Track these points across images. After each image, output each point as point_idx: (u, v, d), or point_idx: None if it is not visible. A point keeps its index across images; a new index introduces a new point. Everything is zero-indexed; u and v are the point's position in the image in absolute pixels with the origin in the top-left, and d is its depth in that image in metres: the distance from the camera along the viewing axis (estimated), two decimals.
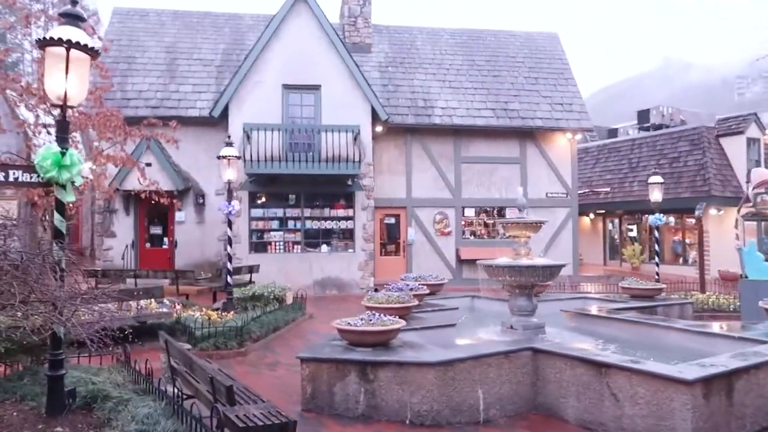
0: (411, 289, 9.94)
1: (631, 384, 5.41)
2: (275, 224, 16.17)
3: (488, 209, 18.35)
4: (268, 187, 15.89)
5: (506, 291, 10.79)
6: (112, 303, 7.36)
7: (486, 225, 18.41)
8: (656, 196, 14.62)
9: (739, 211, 10.51)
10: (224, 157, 10.62)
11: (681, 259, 22.45)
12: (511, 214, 18.30)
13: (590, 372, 5.80)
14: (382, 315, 6.77)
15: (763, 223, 21.66)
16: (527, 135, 18.18)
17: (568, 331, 8.78)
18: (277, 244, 16.09)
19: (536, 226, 8.62)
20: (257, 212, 16.13)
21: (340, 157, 15.14)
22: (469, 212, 18.11)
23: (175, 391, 5.18)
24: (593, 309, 9.44)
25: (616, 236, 26.05)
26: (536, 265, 8.16)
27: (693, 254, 22.22)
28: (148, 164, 13.94)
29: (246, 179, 15.60)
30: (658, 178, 14.65)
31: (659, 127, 26.84)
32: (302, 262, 15.95)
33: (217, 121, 15.94)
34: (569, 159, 18.45)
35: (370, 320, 6.52)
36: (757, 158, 21.23)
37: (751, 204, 10.59)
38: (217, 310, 10.54)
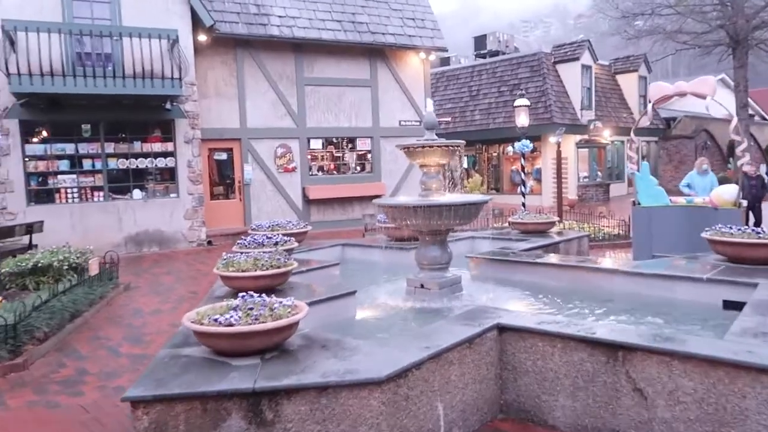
0: (276, 243, 7.34)
1: (672, 374, 3.60)
2: (64, 164, 12.02)
3: (336, 140, 15.95)
4: (49, 113, 11.62)
5: (382, 233, 8.79)
6: None
7: (335, 158, 16.04)
8: (523, 120, 13.49)
9: (634, 131, 9.49)
10: None
11: (519, 189, 22.42)
12: (362, 144, 16.16)
13: (597, 357, 3.90)
14: (261, 296, 4.14)
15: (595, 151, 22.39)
16: (378, 54, 15.90)
17: (489, 284, 6.96)
18: (70, 191, 12.03)
19: (452, 150, 6.48)
20: (36, 149, 11.82)
21: (153, 72, 11.44)
22: (316, 144, 15.55)
23: None
24: (502, 252, 7.74)
25: (456, 168, 25.46)
26: (455, 202, 6.08)
27: (531, 183, 22.35)
28: None
29: (14, 103, 11.19)
30: (525, 101, 13.51)
31: (495, 53, 26.47)
32: (107, 214, 12.18)
33: None
34: (422, 82, 16.65)
35: (250, 309, 3.88)
36: (589, 85, 21.58)
37: (648, 121, 9.62)
38: None
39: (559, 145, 14.72)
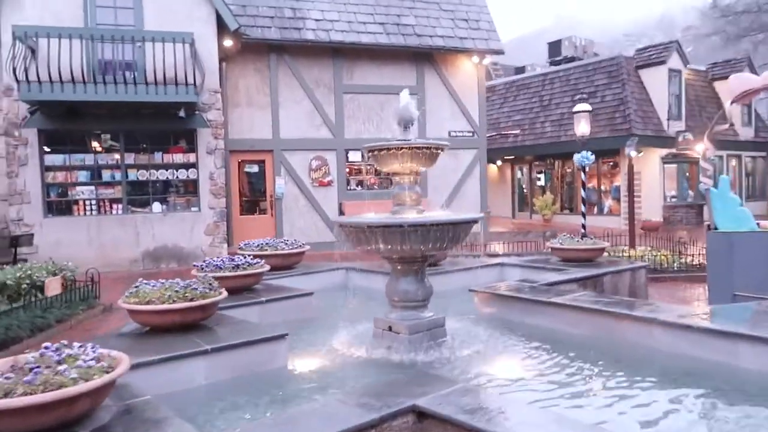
0: (237, 267, 6.17)
1: None
2: (83, 175, 11.62)
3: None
4: (68, 122, 11.25)
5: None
6: None
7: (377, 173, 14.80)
8: (583, 128, 11.62)
9: (709, 136, 7.51)
10: None
11: (596, 209, 20.13)
12: None
13: None
14: (84, 347, 2.92)
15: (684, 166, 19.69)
16: (425, 58, 14.57)
17: (489, 328, 5.38)
18: (88, 203, 11.59)
19: (430, 153, 5.00)
20: (55, 159, 11.48)
21: (166, 79, 10.77)
22: (355, 156, 14.39)
23: None
24: (518, 287, 6.10)
25: (525, 185, 23.47)
26: (427, 222, 4.60)
27: (608, 203, 20.00)
28: None
29: (32, 111, 10.90)
30: (586, 106, 11.65)
31: (572, 60, 24.29)
32: (125, 228, 11.61)
33: None
34: (476, 89, 15.10)
35: (32, 369, 2.67)
36: (678, 93, 19.01)
37: (726, 124, 7.59)
38: None
39: (631, 158, 12.63)
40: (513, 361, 4.56)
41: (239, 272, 6.10)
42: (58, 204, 11.49)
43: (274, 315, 5.82)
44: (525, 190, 23.34)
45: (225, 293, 4.91)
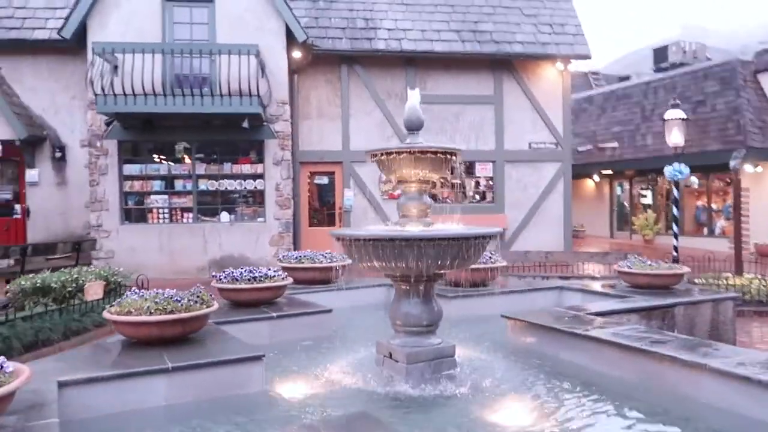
0: (254, 279, 5.87)
1: None
2: (157, 185, 12.04)
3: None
4: (145, 133, 11.74)
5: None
6: None
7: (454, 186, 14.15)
8: (676, 137, 10.31)
9: None
10: None
11: (705, 230, 18.05)
12: (482, 170, 14.04)
13: None
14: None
15: None
16: (504, 66, 13.77)
17: (508, 362, 4.66)
18: (161, 211, 12.00)
19: (436, 158, 4.42)
20: (133, 168, 11.99)
21: (238, 90, 10.91)
22: None
23: None
24: (558, 314, 5.27)
25: (625, 202, 21.63)
26: (423, 237, 4.03)
27: (720, 223, 17.85)
28: None
29: (114, 123, 11.47)
30: (678, 113, 10.33)
31: (679, 66, 22.15)
32: (194, 236, 11.87)
33: (76, 47, 11.73)
34: (560, 97, 14.04)
35: None
36: None
37: None
38: None
39: (737, 172, 11.07)
40: (522, 405, 3.82)
41: (255, 285, 5.80)
42: (134, 212, 11.98)
43: (284, 332, 5.47)
44: (626, 208, 21.52)
45: (215, 306, 4.60)
